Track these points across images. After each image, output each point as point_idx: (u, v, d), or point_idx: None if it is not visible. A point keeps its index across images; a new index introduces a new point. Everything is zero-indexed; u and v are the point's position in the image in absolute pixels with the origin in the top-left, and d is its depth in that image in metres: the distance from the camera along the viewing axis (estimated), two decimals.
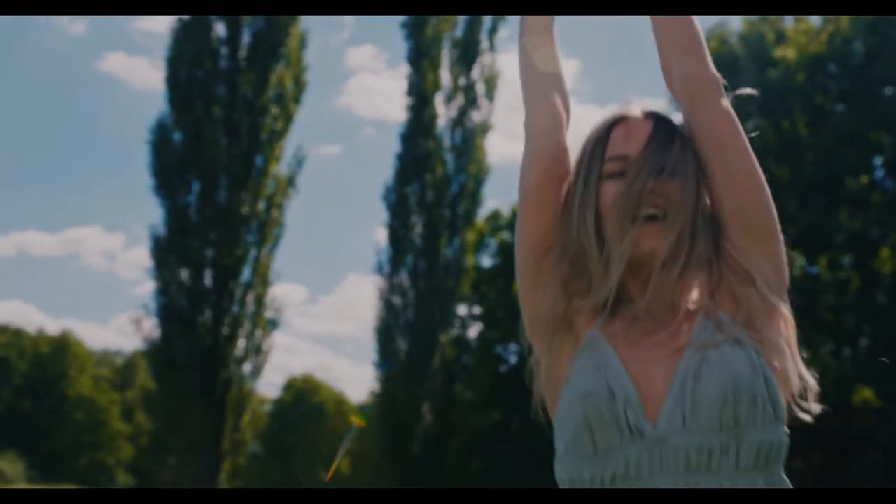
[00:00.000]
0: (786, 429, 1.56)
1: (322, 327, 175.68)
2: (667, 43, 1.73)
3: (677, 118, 1.76)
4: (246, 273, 26.90)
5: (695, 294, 1.65)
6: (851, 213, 28.59)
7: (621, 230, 1.57)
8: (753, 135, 1.81)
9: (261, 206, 26.83)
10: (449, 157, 32.06)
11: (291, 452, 75.30)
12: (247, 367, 27.24)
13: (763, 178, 1.79)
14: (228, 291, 26.50)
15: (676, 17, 1.70)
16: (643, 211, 1.58)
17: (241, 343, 26.90)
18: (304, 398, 78.92)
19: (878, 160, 28.81)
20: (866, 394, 28.79)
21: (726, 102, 1.72)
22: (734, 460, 1.44)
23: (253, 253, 26.90)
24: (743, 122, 1.90)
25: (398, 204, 32.04)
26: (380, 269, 32.27)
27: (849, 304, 27.49)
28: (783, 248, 1.84)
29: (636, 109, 1.72)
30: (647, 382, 1.50)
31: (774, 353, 1.64)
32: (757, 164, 1.75)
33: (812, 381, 1.80)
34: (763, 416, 1.49)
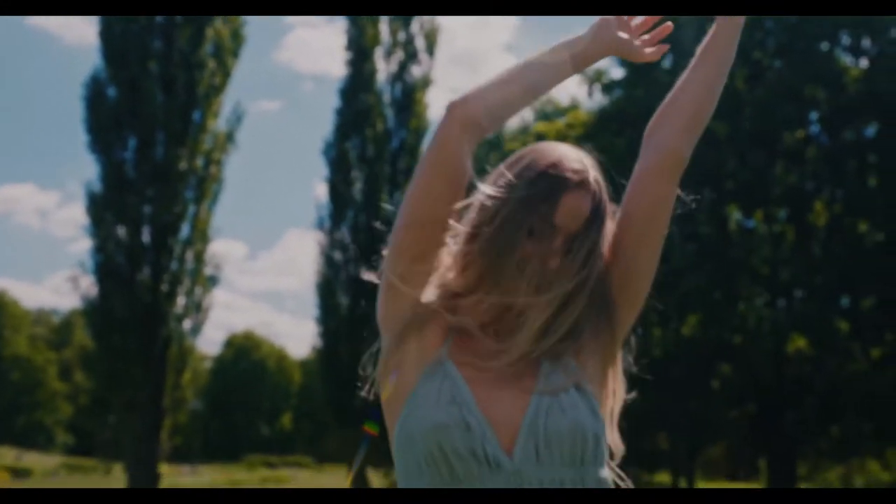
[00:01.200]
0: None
1: (262, 283, 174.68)
2: (684, 113, 1.87)
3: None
4: (185, 230, 26.60)
5: None
6: (787, 168, 29.04)
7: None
8: None
9: (199, 161, 26.48)
10: (389, 113, 31.90)
11: (233, 409, 75.14)
12: (187, 325, 27.03)
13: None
14: (167, 248, 26.20)
15: (712, 98, 1.88)
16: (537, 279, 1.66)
17: (180, 300, 26.66)
18: (245, 355, 78.64)
19: (814, 115, 29.21)
20: (800, 343, 29.47)
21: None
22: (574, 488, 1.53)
23: (192, 209, 26.59)
24: (680, 73, 1.94)
25: (338, 159, 31.85)
26: (320, 225, 32.15)
27: (784, 256, 28.01)
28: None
29: (585, 177, 1.75)
30: (498, 416, 1.56)
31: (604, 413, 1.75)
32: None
33: (620, 447, 1.83)
34: (601, 456, 1.61)
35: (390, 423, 1.74)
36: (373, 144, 31.45)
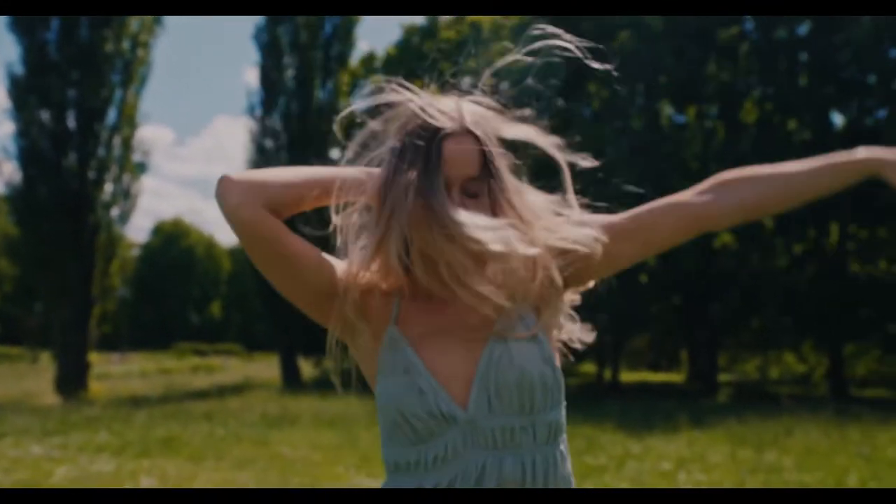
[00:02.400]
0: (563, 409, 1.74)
1: (191, 170, 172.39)
2: (759, 202, 1.90)
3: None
4: (112, 115, 25.94)
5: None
6: (720, 65, 29.17)
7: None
8: None
9: (126, 44, 25.70)
10: None
11: (162, 297, 74.73)
12: (115, 212, 26.59)
13: None
14: (93, 134, 25.54)
15: (780, 209, 1.93)
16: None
17: (108, 187, 26.15)
18: (174, 242, 77.90)
19: None
20: (726, 238, 30.07)
21: None
22: (532, 437, 1.64)
23: (118, 94, 25.90)
24: None
25: (270, 45, 31.16)
26: (251, 112, 31.59)
27: (714, 152, 28.34)
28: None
29: (457, 125, 1.75)
30: (450, 373, 1.65)
31: (555, 343, 1.84)
32: None
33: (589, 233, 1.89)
34: (551, 401, 1.67)
35: (371, 386, 1.80)
36: (305, 30, 30.79)
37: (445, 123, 1.73)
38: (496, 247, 1.60)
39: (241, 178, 1.68)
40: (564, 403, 1.76)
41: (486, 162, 1.75)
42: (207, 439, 12.77)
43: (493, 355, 1.66)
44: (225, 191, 1.67)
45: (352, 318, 1.73)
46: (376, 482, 9.07)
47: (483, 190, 1.73)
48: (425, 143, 1.69)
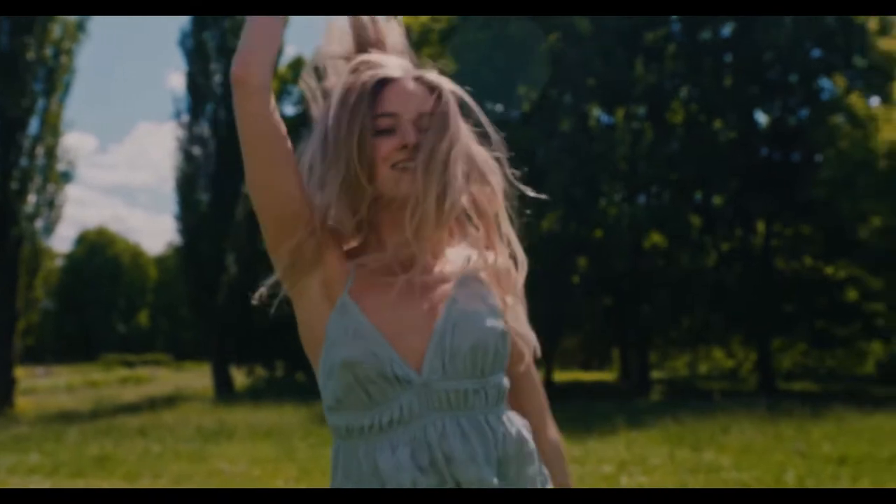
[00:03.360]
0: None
1: (114, 178, 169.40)
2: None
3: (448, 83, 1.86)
4: (34, 124, 25.31)
5: (450, 247, 1.86)
6: (647, 66, 29.50)
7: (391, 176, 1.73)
8: None
9: (48, 51, 25.11)
10: None
11: (87, 307, 73.29)
12: (39, 223, 25.94)
13: None
14: (16, 144, 24.87)
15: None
16: (408, 164, 1.72)
17: (31, 198, 25.49)
18: (99, 251, 76.44)
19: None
20: (656, 238, 30.44)
21: None
22: (484, 399, 1.70)
23: (41, 102, 25.28)
24: None
25: (196, 50, 30.73)
26: (177, 118, 31.12)
27: (643, 153, 28.65)
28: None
29: (398, 70, 1.81)
30: (405, 338, 1.69)
31: (511, 316, 1.89)
32: None
33: (533, 339, 2.06)
34: (499, 365, 1.74)
35: (312, 357, 1.78)
36: (232, 35, 30.42)
37: (389, 71, 1.79)
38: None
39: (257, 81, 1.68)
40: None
41: (432, 99, 1.78)
42: (143, 457, 12.50)
43: (448, 320, 1.71)
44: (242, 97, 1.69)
45: (308, 258, 1.72)
46: None
47: (425, 123, 1.76)
48: (370, 87, 1.75)
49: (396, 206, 1.74)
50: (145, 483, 10.26)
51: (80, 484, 10.18)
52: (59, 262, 73.04)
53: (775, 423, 14.51)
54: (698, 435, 13.35)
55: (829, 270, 29.93)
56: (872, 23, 24.42)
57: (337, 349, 1.67)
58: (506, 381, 1.77)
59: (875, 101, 25.84)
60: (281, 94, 37.15)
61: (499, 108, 32.28)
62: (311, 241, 1.71)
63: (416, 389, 1.66)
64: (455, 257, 1.84)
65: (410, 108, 1.75)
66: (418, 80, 1.81)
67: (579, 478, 9.84)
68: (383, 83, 1.77)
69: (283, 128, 1.73)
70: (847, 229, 25.47)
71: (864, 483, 9.00)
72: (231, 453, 12.66)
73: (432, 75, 1.85)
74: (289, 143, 1.74)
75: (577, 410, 19.66)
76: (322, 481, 9.91)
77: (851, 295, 29.47)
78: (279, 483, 10.01)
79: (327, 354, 1.69)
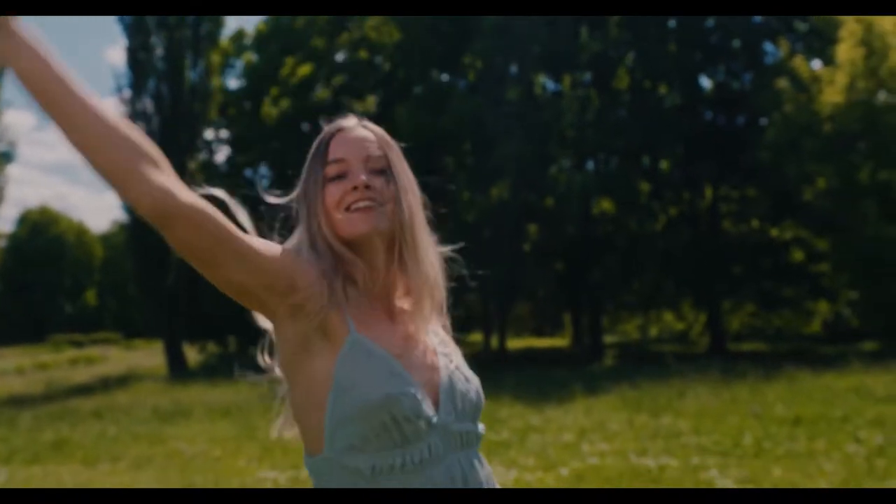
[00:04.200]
0: None
1: (54, 155, 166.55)
2: None
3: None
4: None
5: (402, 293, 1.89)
6: (591, 34, 29.56)
7: (343, 219, 1.78)
8: None
9: None
10: None
11: (32, 288, 72.13)
12: None
13: None
14: None
15: None
16: (360, 203, 1.76)
17: None
18: (42, 231, 75.14)
19: None
20: (605, 205, 30.63)
21: None
22: (476, 439, 1.80)
23: None
24: None
25: (136, 24, 30.14)
26: (119, 93, 30.56)
27: (590, 120, 28.76)
28: None
29: (352, 121, 1.89)
30: (422, 381, 1.75)
31: None
32: None
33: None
34: (481, 411, 1.87)
35: (310, 407, 1.74)
36: None
37: (340, 122, 1.87)
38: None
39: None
40: None
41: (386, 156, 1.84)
42: (99, 440, 12.36)
43: (449, 366, 1.81)
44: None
45: (312, 333, 1.71)
46: (281, 474, 8.93)
47: (388, 172, 1.82)
48: (322, 137, 1.84)
49: (357, 247, 1.78)
50: (104, 467, 10.14)
51: (36, 470, 10.05)
52: (1, 244, 71.80)
53: (729, 386, 14.72)
54: (655, 400, 13.50)
55: (774, 232, 30.35)
56: None
57: (369, 389, 1.67)
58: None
59: (817, 64, 26.13)
60: (224, 68, 36.64)
61: (444, 77, 32.22)
62: (315, 300, 1.70)
63: (438, 430, 1.72)
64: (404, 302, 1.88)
65: (358, 151, 1.81)
66: (365, 126, 1.88)
67: (541, 447, 9.91)
68: (333, 134, 1.84)
69: (212, 217, 1.61)
70: (792, 192, 25.80)
71: (820, 444, 9.17)
72: (189, 434, 12.57)
73: (375, 130, 1.89)
74: (225, 226, 1.62)
75: (533, 378, 19.81)
76: (283, 460, 9.88)
77: (797, 256, 29.93)
78: (241, 463, 9.95)
79: (350, 395, 1.67)
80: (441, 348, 1.85)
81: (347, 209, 1.75)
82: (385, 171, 1.81)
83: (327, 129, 1.87)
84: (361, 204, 1.75)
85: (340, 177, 1.79)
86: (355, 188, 1.75)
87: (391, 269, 1.82)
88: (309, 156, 1.86)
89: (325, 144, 1.83)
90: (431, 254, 1.90)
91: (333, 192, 1.77)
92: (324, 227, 1.77)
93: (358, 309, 1.76)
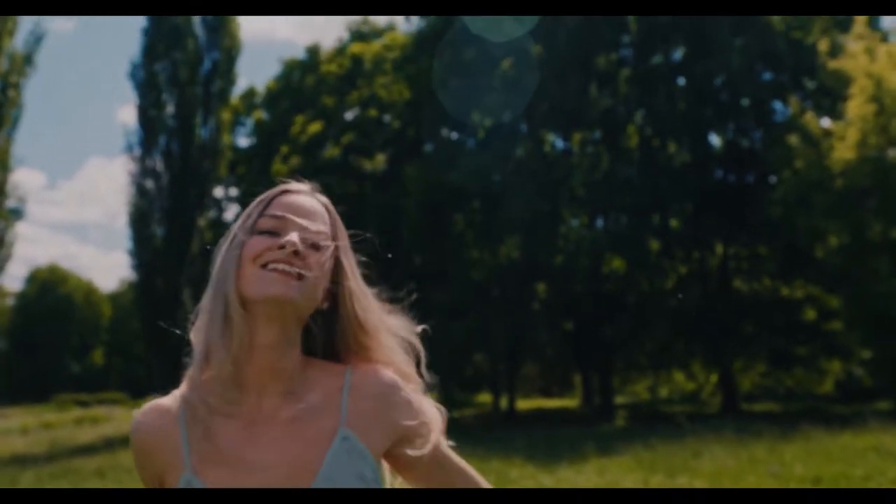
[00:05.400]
0: None
1: (64, 214, 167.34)
2: None
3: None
4: None
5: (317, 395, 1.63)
6: (600, 90, 29.63)
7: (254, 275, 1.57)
8: None
9: None
10: (200, 32, 30.54)
11: (39, 347, 71.95)
12: None
13: None
14: None
15: None
16: (279, 265, 1.55)
17: None
18: (50, 289, 75.17)
19: (626, 38, 29.80)
20: (615, 263, 30.43)
21: None
22: None
23: None
24: None
25: (147, 82, 30.33)
26: (130, 151, 30.65)
27: (599, 177, 28.69)
28: None
29: (305, 187, 1.71)
30: None
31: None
32: None
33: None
34: None
35: None
36: (184, 66, 30.08)
37: (286, 185, 1.70)
38: None
39: None
40: None
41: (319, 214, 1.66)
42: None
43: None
44: None
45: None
46: None
47: (325, 246, 1.62)
48: (267, 196, 1.66)
49: (252, 314, 1.56)
50: None
51: None
52: (9, 302, 71.75)
53: (745, 446, 14.41)
54: (670, 461, 13.19)
55: (785, 291, 30.09)
56: (822, 44, 24.69)
57: None
58: None
59: (825, 122, 26.09)
60: (234, 126, 36.83)
61: (454, 135, 32.29)
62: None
63: None
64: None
65: (301, 217, 1.61)
66: (318, 199, 1.69)
67: None
68: (283, 192, 1.67)
69: None
70: (803, 249, 25.61)
71: None
72: None
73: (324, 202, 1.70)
74: None
75: (543, 438, 19.48)
76: None
77: (809, 314, 29.63)
78: None
79: None
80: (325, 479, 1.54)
81: (264, 266, 1.54)
82: (321, 249, 1.59)
83: (278, 187, 1.68)
84: (281, 266, 1.53)
85: (272, 233, 1.58)
86: (282, 247, 1.54)
87: (284, 359, 1.58)
88: (249, 206, 1.66)
89: (271, 199, 1.64)
90: (385, 335, 1.70)
91: (256, 243, 1.56)
92: (230, 277, 1.56)
93: (203, 425, 1.57)
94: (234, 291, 1.54)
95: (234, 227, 1.63)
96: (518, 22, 26.79)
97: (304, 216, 1.61)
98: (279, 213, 1.60)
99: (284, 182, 1.70)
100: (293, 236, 1.55)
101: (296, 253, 1.54)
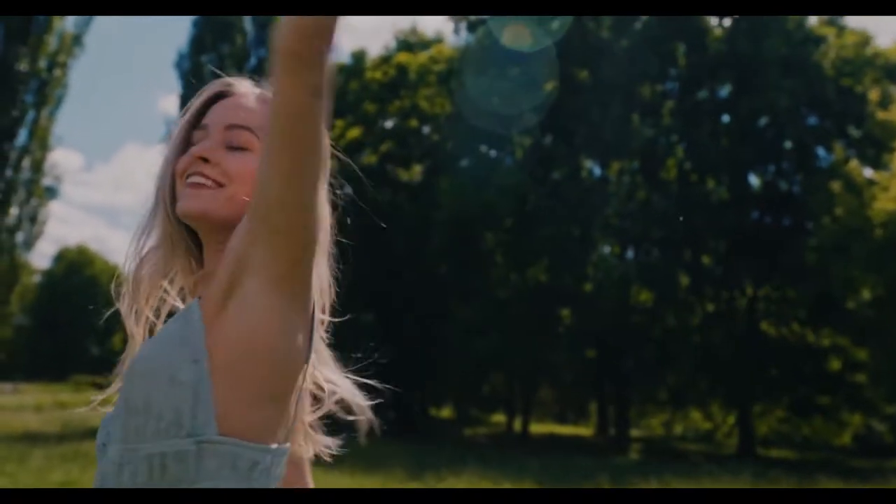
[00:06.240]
0: None
1: (97, 197, 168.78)
2: None
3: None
4: (22, 136, 24.93)
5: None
6: (643, 121, 29.45)
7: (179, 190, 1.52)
8: None
9: (42, 63, 24.77)
10: (250, 28, 30.67)
11: (61, 325, 72.36)
12: (19, 237, 25.47)
13: None
14: (2, 154, 24.51)
15: None
16: (192, 178, 1.48)
17: (14, 211, 25.06)
18: (77, 270, 75.66)
19: (674, 71, 29.64)
20: (644, 295, 30.17)
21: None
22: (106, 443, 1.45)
23: (31, 114, 24.91)
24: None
25: (192, 73, 30.48)
26: (167, 141, 30.80)
27: (634, 209, 28.49)
28: None
29: (244, 85, 1.59)
30: None
31: None
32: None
33: None
34: None
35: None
36: (231, 60, 30.21)
37: (232, 82, 1.59)
38: None
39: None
40: None
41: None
42: None
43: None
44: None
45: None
46: None
47: (253, 147, 1.49)
48: (209, 95, 1.58)
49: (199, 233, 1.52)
50: None
51: None
52: (36, 279, 72.27)
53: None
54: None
55: (812, 338, 29.73)
56: (873, 93, 24.43)
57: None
58: None
59: (868, 171, 25.82)
60: None
61: (492, 153, 32.19)
62: None
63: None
64: None
65: (224, 118, 1.52)
66: (258, 93, 1.57)
67: None
68: (218, 95, 1.58)
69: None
70: (835, 297, 25.30)
71: None
72: None
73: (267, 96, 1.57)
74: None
75: (557, 465, 19.26)
76: None
77: (834, 364, 29.24)
78: None
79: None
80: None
81: (188, 180, 1.48)
82: (245, 150, 1.49)
83: (218, 83, 1.59)
84: (192, 179, 1.47)
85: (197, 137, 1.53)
86: (199, 158, 1.47)
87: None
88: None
89: (204, 104, 1.56)
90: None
91: (183, 159, 1.50)
92: (165, 196, 1.53)
93: None
94: (172, 214, 1.52)
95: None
96: (542, 28, 26.70)
97: (228, 117, 1.52)
98: (206, 121, 1.53)
99: (220, 79, 1.61)
100: (205, 143, 1.48)
101: (204, 160, 1.47)
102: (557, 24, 27.70)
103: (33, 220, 25.59)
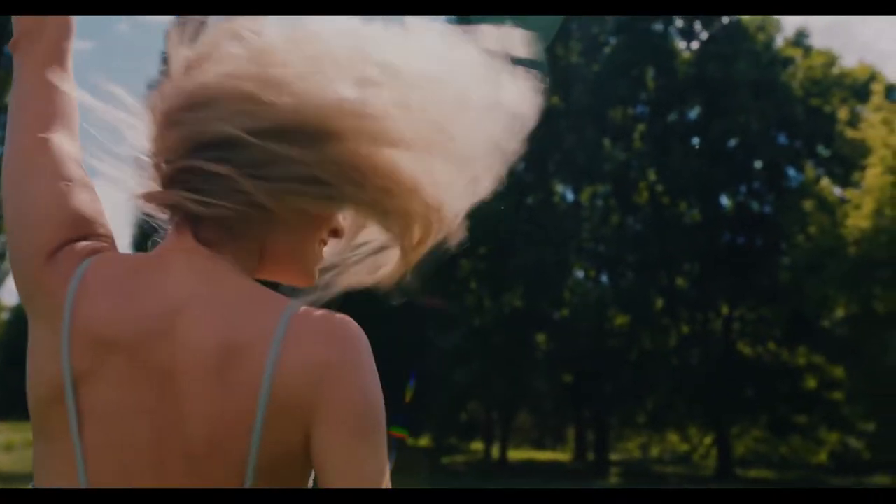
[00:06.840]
0: None
1: None
2: None
3: None
4: None
5: None
6: (615, 145, 29.55)
7: None
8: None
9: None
10: None
11: None
12: None
13: None
14: None
15: None
16: None
17: None
18: None
19: (644, 95, 29.78)
20: (620, 319, 30.15)
21: None
22: None
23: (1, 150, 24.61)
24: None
25: None
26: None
27: (607, 233, 28.52)
28: None
29: None
30: None
31: None
32: None
33: None
34: None
35: None
36: None
37: None
38: None
39: None
40: None
41: None
42: None
43: None
44: None
45: None
46: None
47: None
48: None
49: None
50: None
51: None
52: (5, 316, 71.46)
53: None
54: None
55: (787, 357, 29.78)
56: (842, 112, 24.65)
57: None
58: None
59: (837, 190, 25.97)
60: None
61: None
62: None
63: None
64: None
65: None
66: None
67: None
68: None
69: None
70: (809, 316, 25.37)
71: None
72: None
73: None
74: None
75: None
76: None
77: (810, 382, 29.30)
78: None
79: None
80: None
81: None
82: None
83: None
84: None
85: None
86: None
87: None
88: None
89: None
90: None
91: None
92: None
93: None
94: None
95: None
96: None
97: None
98: None
99: None
100: None
101: None
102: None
103: (2, 257, 25.20)
